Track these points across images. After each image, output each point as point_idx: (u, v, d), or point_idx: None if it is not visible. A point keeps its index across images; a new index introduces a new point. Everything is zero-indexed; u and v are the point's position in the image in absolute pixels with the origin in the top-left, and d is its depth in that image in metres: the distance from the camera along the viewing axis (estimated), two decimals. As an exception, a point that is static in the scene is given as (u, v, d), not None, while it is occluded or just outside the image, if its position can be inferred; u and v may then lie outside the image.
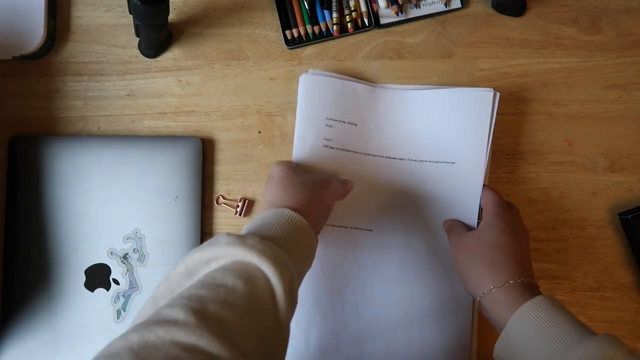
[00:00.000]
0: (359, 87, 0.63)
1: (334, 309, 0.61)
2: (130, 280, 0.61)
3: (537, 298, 0.49)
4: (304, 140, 0.62)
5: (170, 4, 0.57)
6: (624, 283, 0.65)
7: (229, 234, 0.45)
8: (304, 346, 0.61)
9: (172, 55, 0.65)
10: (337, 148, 0.62)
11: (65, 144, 0.61)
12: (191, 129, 0.64)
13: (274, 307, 0.43)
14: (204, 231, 0.63)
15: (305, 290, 0.61)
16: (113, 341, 0.35)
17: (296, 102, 0.63)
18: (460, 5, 0.66)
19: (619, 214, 0.65)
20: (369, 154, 0.63)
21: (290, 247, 0.48)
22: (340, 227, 0.63)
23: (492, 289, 0.52)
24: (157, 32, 0.60)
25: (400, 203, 0.63)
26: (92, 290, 0.61)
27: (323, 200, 0.57)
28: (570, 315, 0.48)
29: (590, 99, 0.66)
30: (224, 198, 0.64)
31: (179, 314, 0.37)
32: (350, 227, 0.63)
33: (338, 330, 0.61)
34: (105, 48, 0.64)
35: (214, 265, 0.44)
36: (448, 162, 0.62)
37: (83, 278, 0.60)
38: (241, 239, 0.45)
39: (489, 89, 0.62)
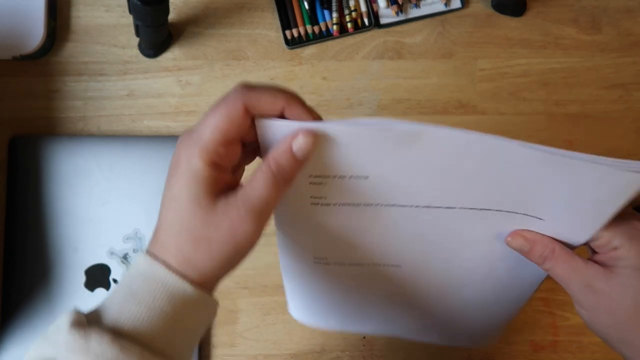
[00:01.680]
0: (393, 130, 0.34)
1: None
2: (130, 280, 0.61)
3: None
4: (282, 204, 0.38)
5: (170, 4, 0.57)
6: (624, 283, 0.65)
7: (73, 323, 0.32)
8: None
9: (172, 55, 0.65)
10: (335, 204, 0.40)
11: (65, 144, 0.61)
12: (191, 129, 0.64)
13: None
14: (204, 231, 0.63)
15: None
16: None
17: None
18: (460, 5, 0.66)
19: (619, 214, 0.65)
20: (392, 205, 0.40)
21: (163, 342, 0.33)
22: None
23: None
24: (157, 32, 0.60)
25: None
26: (92, 290, 0.61)
27: (235, 225, 0.34)
28: None
29: (590, 99, 0.66)
30: (224, 198, 0.64)
31: None
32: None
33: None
34: (105, 48, 0.64)
35: None
36: (531, 216, 0.40)
37: (83, 278, 0.60)
38: (85, 339, 0.31)
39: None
